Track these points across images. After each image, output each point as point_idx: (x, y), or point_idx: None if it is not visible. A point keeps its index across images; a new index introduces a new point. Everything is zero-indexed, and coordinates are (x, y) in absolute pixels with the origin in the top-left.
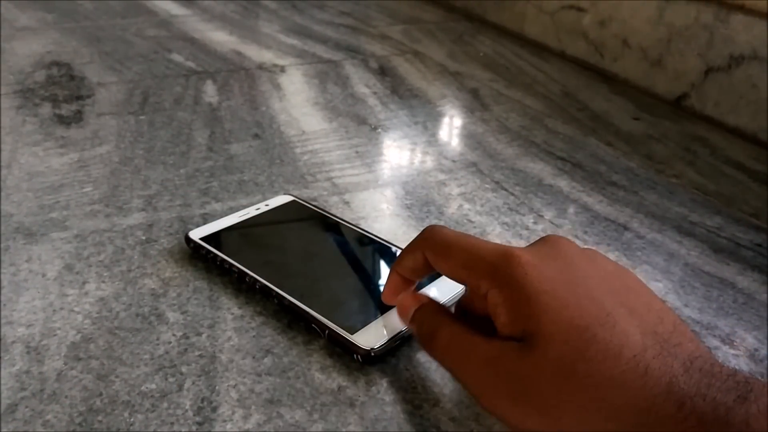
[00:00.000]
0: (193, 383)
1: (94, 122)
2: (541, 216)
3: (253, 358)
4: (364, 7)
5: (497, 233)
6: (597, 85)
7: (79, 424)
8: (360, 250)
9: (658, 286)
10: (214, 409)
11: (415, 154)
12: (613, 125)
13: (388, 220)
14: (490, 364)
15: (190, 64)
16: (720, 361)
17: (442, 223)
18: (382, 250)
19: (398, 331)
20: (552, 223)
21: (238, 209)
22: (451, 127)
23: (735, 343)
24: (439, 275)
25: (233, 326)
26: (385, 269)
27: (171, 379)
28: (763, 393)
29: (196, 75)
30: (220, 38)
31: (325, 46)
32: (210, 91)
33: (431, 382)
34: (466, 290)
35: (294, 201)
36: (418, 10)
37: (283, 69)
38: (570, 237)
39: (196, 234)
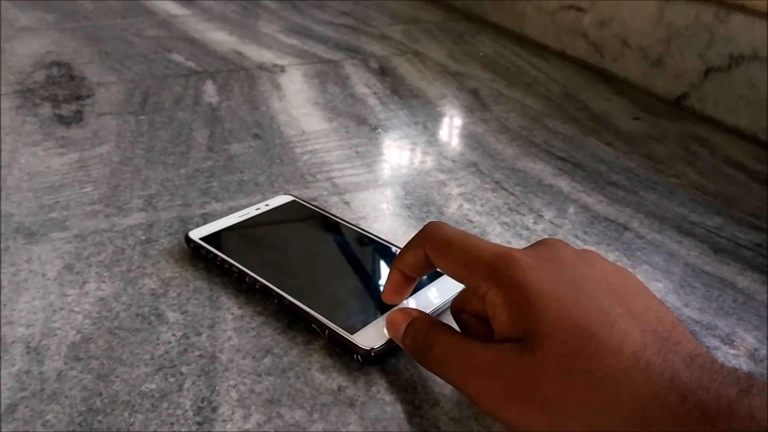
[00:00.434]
0: (193, 383)
1: (94, 122)
2: (541, 216)
3: (253, 358)
4: (364, 7)
5: (497, 233)
6: (597, 85)
7: (79, 424)
8: (360, 250)
9: (658, 286)
10: (214, 409)
11: (415, 154)
12: (613, 125)
13: (388, 220)
14: (490, 368)
15: (190, 64)
16: (720, 360)
17: None
18: (382, 250)
19: None
20: (552, 223)
21: (238, 209)
22: (451, 127)
23: (735, 343)
24: (439, 275)
25: (233, 326)
26: (385, 269)
27: (171, 379)
28: (765, 388)
29: (196, 75)
30: (220, 38)
31: (325, 46)
32: (210, 91)
33: (431, 382)
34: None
35: (294, 201)
36: (418, 10)
37: (283, 69)
38: (570, 237)
39: (196, 234)
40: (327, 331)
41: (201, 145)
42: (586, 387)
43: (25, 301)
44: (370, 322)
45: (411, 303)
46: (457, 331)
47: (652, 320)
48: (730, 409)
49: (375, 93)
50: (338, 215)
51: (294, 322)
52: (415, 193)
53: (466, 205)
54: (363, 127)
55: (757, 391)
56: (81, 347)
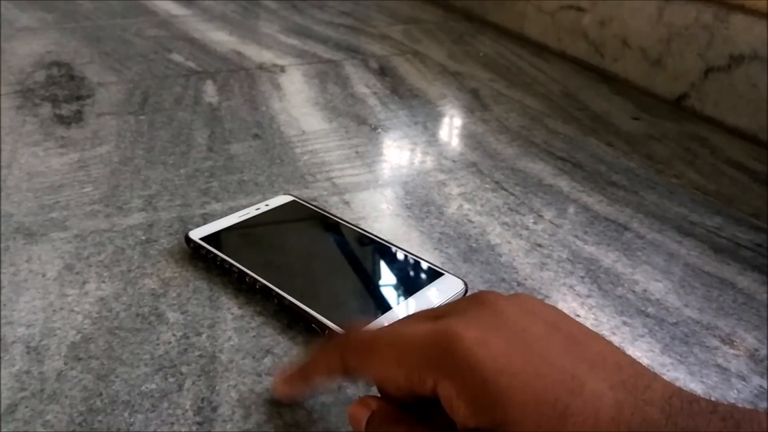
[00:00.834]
0: (193, 383)
1: (94, 122)
2: (541, 216)
3: (253, 358)
4: (364, 7)
5: (497, 233)
6: (597, 85)
7: (79, 424)
8: (360, 250)
9: (658, 286)
10: (214, 409)
11: (415, 154)
12: (613, 125)
13: (388, 220)
14: None
15: (190, 64)
16: (693, 393)
17: (441, 224)
18: (382, 250)
19: None
20: (552, 223)
21: (238, 209)
22: (451, 127)
23: (735, 343)
24: (439, 275)
25: (233, 326)
26: (385, 269)
27: (171, 379)
28: (752, 420)
29: (196, 75)
30: (220, 38)
31: (325, 46)
32: (210, 91)
33: None
34: (465, 289)
35: (294, 201)
36: (418, 10)
37: (283, 69)
38: (570, 237)
39: (196, 234)
40: (327, 331)
41: (201, 145)
42: None
43: (25, 301)
44: (370, 322)
45: (410, 304)
46: (422, 424)
47: (613, 369)
48: None
49: (375, 93)
50: (338, 215)
51: (294, 322)
52: (415, 193)
53: (466, 205)
54: (363, 127)
55: (742, 423)
56: (81, 347)
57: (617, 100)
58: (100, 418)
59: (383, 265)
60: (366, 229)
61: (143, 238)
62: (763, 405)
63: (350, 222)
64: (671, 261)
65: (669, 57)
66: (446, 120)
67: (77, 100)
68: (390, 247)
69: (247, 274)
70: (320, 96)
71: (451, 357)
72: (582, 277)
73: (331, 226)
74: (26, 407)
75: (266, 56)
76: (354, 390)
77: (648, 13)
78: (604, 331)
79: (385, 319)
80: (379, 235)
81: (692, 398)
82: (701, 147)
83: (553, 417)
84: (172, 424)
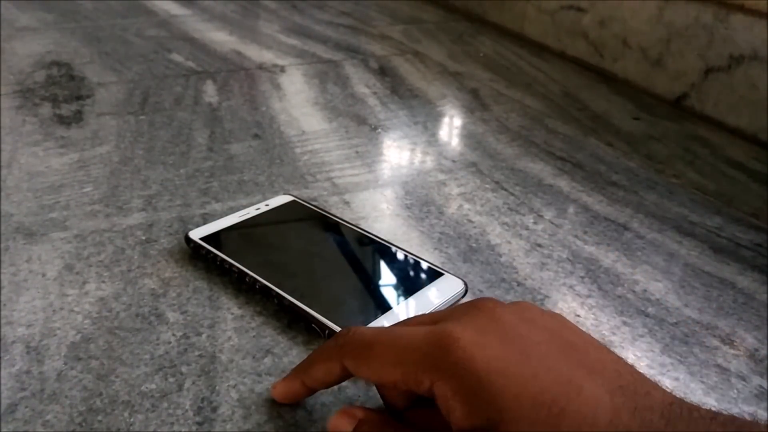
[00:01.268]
0: (193, 383)
1: (94, 122)
2: (541, 216)
3: (253, 358)
4: (364, 7)
5: (497, 233)
6: (597, 85)
7: (79, 424)
8: (360, 250)
9: (658, 286)
10: (214, 409)
11: (415, 154)
12: (613, 125)
13: (388, 220)
14: None
15: (190, 64)
16: (693, 403)
17: (441, 224)
18: (382, 250)
19: None
20: (552, 223)
21: (238, 209)
22: (451, 127)
23: (735, 343)
24: (439, 275)
25: (233, 326)
26: (385, 269)
27: (171, 379)
28: (752, 429)
29: (196, 75)
30: (220, 38)
31: (325, 46)
32: (210, 91)
33: None
34: (465, 289)
35: (294, 201)
36: (418, 10)
37: (283, 69)
38: (570, 237)
39: (196, 234)
40: (327, 331)
41: (201, 145)
42: None
43: (25, 301)
44: (370, 322)
45: (410, 304)
46: (411, 429)
47: (612, 375)
48: None
49: (375, 93)
50: (338, 215)
51: (294, 322)
52: (415, 193)
53: (466, 205)
54: (363, 127)
55: (742, 429)
56: (81, 347)
57: (617, 100)
58: (100, 418)
59: (383, 265)
60: (366, 229)
61: (143, 238)
62: (763, 405)
63: (350, 222)
64: (671, 261)
65: (669, 57)
66: (446, 120)
67: (77, 100)
68: (390, 247)
69: (247, 274)
70: (320, 96)
71: (448, 358)
72: (582, 277)
73: (331, 226)
74: (26, 407)
75: (266, 56)
76: (354, 390)
77: (648, 13)
78: (604, 331)
79: (385, 319)
80: (379, 235)
81: (692, 407)
82: (701, 147)
83: (549, 418)
84: (172, 424)
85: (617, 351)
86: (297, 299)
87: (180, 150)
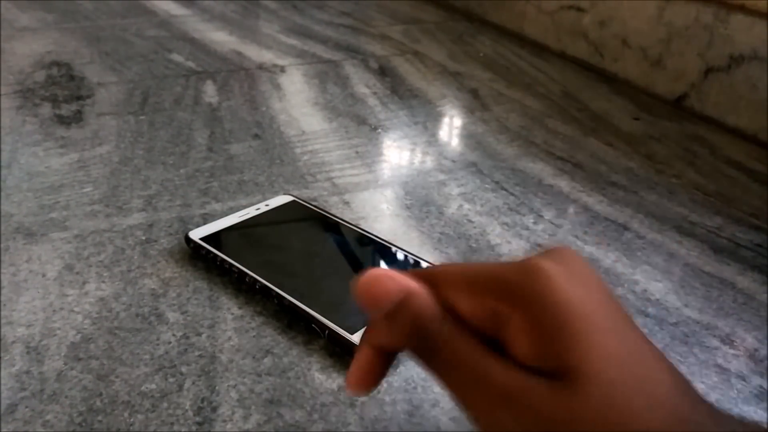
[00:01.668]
0: (193, 383)
1: (94, 122)
2: (541, 216)
3: (253, 358)
4: (364, 7)
5: (497, 233)
6: (597, 85)
7: (79, 424)
8: (360, 250)
9: (658, 286)
10: (214, 409)
11: (415, 154)
12: (613, 125)
13: (388, 220)
14: (511, 402)
15: (190, 64)
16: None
17: (441, 224)
18: (382, 250)
19: None
20: (552, 223)
21: (238, 209)
22: (451, 127)
23: (735, 343)
24: None
25: (233, 326)
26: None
27: (171, 379)
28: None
29: (196, 75)
30: (220, 38)
31: (325, 46)
32: (210, 91)
33: (431, 382)
34: None
35: (294, 201)
36: (418, 10)
37: (283, 69)
38: (570, 237)
39: (196, 234)
40: (327, 331)
41: (201, 145)
42: None
43: (25, 301)
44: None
45: None
46: (473, 335)
47: (665, 360)
48: None
49: (375, 93)
50: (338, 215)
51: (294, 322)
52: (415, 193)
53: (466, 205)
54: (363, 127)
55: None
56: (81, 347)
57: (617, 100)
58: (100, 418)
59: (383, 266)
60: (366, 229)
61: (143, 238)
62: (763, 405)
63: (350, 222)
64: (671, 261)
65: (669, 57)
66: (446, 120)
67: (77, 100)
68: (390, 247)
69: (247, 274)
70: (320, 96)
71: (531, 288)
72: None
73: (331, 226)
74: (26, 407)
75: (266, 56)
76: None
77: (648, 13)
78: None
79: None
80: (379, 235)
81: (717, 407)
82: (701, 147)
83: (627, 381)
84: (172, 424)
85: None
86: (297, 299)
87: (180, 150)
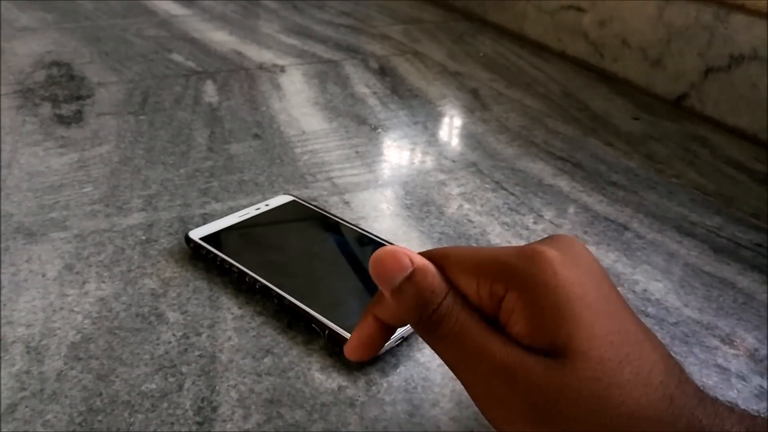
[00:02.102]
0: (193, 383)
1: (94, 122)
2: (541, 216)
3: (253, 358)
4: (364, 7)
5: (497, 233)
6: (597, 85)
7: (79, 424)
8: (360, 250)
9: (658, 286)
10: (214, 409)
11: (415, 154)
12: (613, 125)
13: (388, 220)
14: (508, 376)
15: (190, 64)
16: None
17: (441, 224)
18: None
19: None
20: (552, 223)
21: (238, 209)
22: (451, 127)
23: (735, 343)
24: None
25: (233, 326)
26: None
27: (171, 379)
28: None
29: (196, 75)
30: (220, 38)
31: (325, 46)
32: (210, 91)
33: (431, 382)
34: None
35: (294, 201)
36: (418, 10)
37: (283, 69)
38: None
39: (196, 234)
40: (327, 331)
41: (201, 145)
42: (616, 419)
43: (25, 301)
44: None
45: None
46: (476, 310)
47: (658, 342)
48: None
49: (375, 93)
50: (338, 215)
51: (294, 322)
52: (415, 193)
53: (466, 205)
54: (363, 127)
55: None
56: (81, 347)
57: (617, 100)
58: (100, 418)
59: None
60: (366, 229)
61: (143, 238)
62: (763, 405)
63: (350, 222)
64: (671, 261)
65: (669, 57)
66: (446, 120)
67: (77, 100)
68: None
69: (247, 274)
70: (320, 96)
71: (529, 271)
72: None
73: (331, 226)
74: (26, 407)
75: (266, 56)
76: (354, 390)
77: (648, 13)
78: None
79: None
80: (379, 235)
81: (711, 396)
82: (701, 147)
83: (615, 359)
84: (172, 424)
85: None
86: (297, 299)
87: (180, 150)
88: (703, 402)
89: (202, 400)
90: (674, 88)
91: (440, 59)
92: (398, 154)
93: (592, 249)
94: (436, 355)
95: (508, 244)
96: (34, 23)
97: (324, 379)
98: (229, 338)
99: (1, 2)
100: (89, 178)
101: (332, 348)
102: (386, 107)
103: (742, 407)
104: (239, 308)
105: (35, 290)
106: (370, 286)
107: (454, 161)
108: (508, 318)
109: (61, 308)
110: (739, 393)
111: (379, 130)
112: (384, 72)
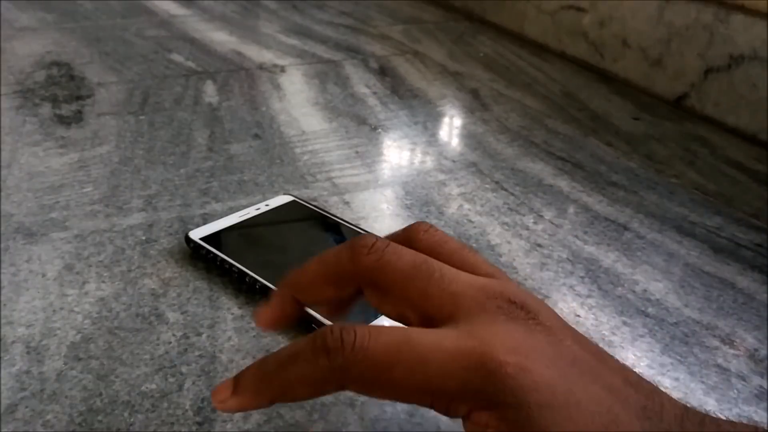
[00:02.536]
0: (193, 383)
1: (94, 122)
2: (541, 216)
3: (253, 358)
4: (364, 7)
5: (497, 233)
6: (597, 85)
7: (79, 424)
8: None
9: (658, 286)
10: (214, 409)
11: (415, 154)
12: (613, 125)
13: (388, 220)
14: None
15: (190, 64)
16: (698, 411)
17: (441, 224)
18: None
19: None
20: (552, 223)
21: (238, 209)
22: (451, 127)
23: (735, 343)
24: None
25: (233, 326)
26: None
27: (171, 379)
28: None
29: (196, 75)
30: (220, 38)
31: (325, 46)
32: (210, 91)
33: None
34: None
35: (294, 201)
36: (418, 10)
37: (283, 69)
38: (570, 237)
39: (196, 234)
40: None
41: (201, 145)
42: None
43: (25, 301)
44: (370, 322)
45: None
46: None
47: (634, 394)
48: None
49: (375, 93)
50: (338, 215)
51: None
52: (415, 193)
53: (466, 205)
54: (363, 127)
55: None
56: (81, 347)
57: (617, 100)
58: (100, 418)
59: None
60: (366, 229)
61: (143, 238)
62: (763, 405)
63: (350, 222)
64: (671, 261)
65: (669, 57)
66: (446, 120)
67: (77, 100)
68: None
69: (247, 274)
70: (320, 96)
71: (493, 386)
72: (582, 277)
73: (331, 226)
74: (26, 407)
75: (266, 56)
76: None
77: (648, 13)
78: (604, 332)
79: (384, 319)
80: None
81: (700, 418)
82: (701, 147)
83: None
84: (172, 424)
85: (617, 351)
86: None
87: (180, 150)
88: (659, 400)
89: (202, 400)
90: (674, 88)
91: (440, 59)
92: (398, 154)
93: (592, 249)
94: None
95: (507, 244)
96: (34, 23)
97: None
98: (229, 338)
99: (1, 2)
100: (89, 178)
101: None
102: (386, 107)
103: (742, 407)
104: (239, 308)
105: (35, 290)
106: None
107: (454, 161)
108: (478, 429)
109: (61, 308)
110: (739, 393)
111: (379, 130)
112: (384, 72)
